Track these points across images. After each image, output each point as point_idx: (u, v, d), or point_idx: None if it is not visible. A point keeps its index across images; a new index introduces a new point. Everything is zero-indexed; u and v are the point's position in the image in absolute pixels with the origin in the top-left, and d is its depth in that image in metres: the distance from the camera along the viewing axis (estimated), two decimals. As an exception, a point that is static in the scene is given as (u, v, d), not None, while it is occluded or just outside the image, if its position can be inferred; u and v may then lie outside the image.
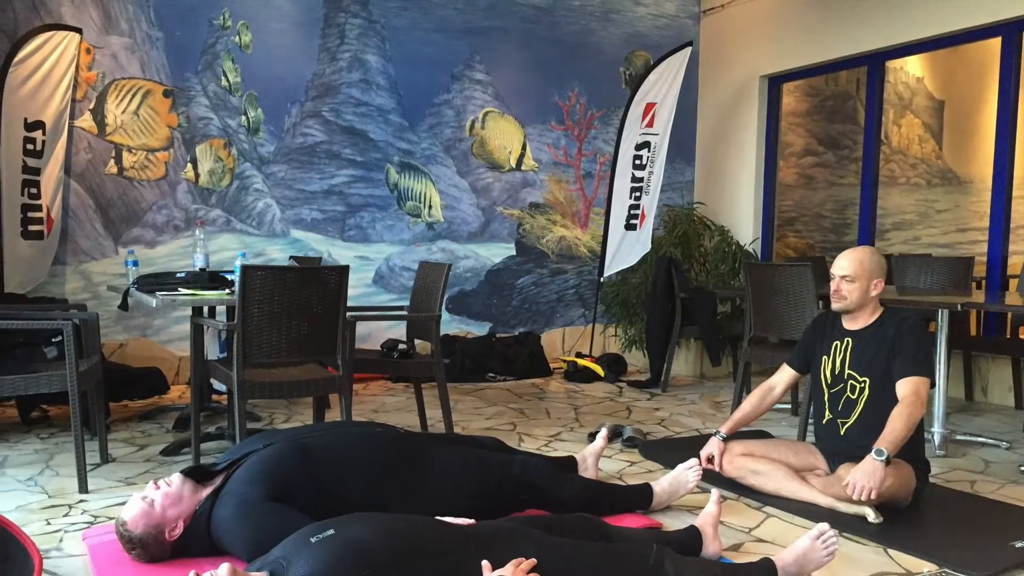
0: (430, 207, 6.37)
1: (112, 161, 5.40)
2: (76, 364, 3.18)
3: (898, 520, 2.91)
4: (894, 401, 2.95)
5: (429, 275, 4.28)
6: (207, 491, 2.41)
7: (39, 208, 5.00)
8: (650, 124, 6.33)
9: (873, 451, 2.80)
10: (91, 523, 2.86)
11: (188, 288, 3.62)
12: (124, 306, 4.13)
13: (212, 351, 4.82)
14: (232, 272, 3.73)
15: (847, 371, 3.17)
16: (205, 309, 4.09)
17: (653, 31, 7.07)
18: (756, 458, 3.25)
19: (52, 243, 5.16)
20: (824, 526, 2.27)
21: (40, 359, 3.97)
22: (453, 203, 6.46)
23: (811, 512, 2.97)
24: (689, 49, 6.43)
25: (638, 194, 6.38)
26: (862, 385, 3.11)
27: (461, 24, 6.38)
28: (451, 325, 6.44)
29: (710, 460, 3.28)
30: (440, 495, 2.59)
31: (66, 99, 5.12)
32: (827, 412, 3.24)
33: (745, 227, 6.88)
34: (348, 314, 3.50)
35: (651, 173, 6.40)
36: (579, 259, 6.94)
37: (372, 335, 5.94)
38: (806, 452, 3.29)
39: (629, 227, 6.39)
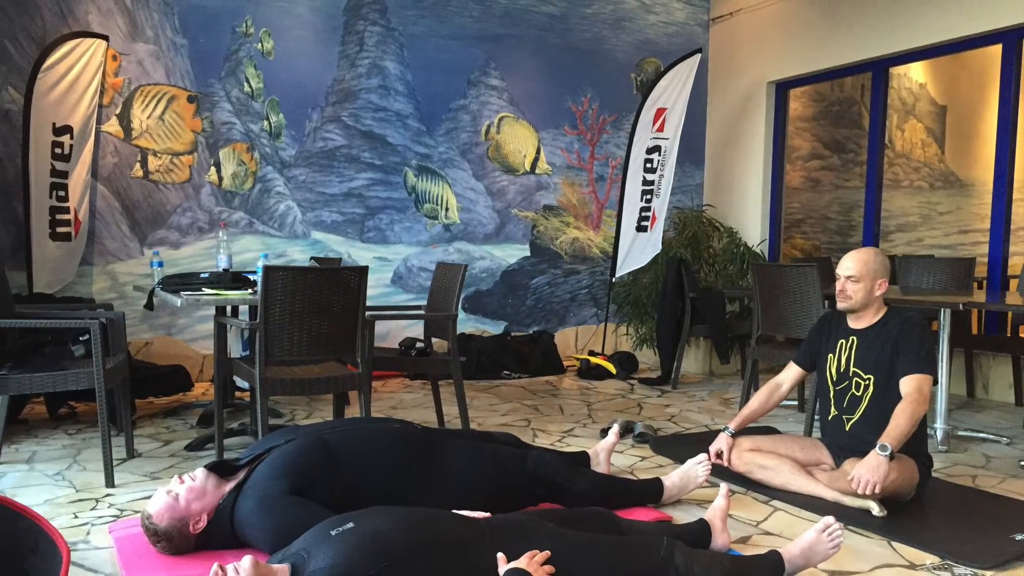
0: (447, 209, 6.44)
1: (138, 165, 5.47)
2: (103, 362, 3.21)
3: (902, 513, 2.93)
4: (898, 398, 2.97)
5: (446, 275, 4.31)
6: (230, 485, 2.44)
7: (67, 210, 5.08)
8: (660, 129, 6.38)
9: (877, 446, 2.81)
10: (117, 517, 2.89)
11: (212, 288, 3.64)
12: (149, 305, 4.16)
13: (235, 349, 4.87)
14: (254, 272, 3.74)
15: (852, 369, 3.19)
16: (228, 308, 4.13)
17: (663, 38, 7.13)
18: (764, 453, 3.27)
19: (79, 244, 5.23)
20: (830, 519, 2.28)
21: (68, 357, 3.96)
22: (469, 205, 6.53)
23: (817, 506, 3.00)
24: (698, 56, 6.47)
25: (649, 197, 6.44)
26: (866, 382, 3.14)
27: (477, 31, 6.45)
28: (467, 324, 6.49)
29: (719, 455, 3.32)
30: (457, 489, 2.61)
31: (93, 104, 5.20)
32: (832, 409, 3.26)
33: (753, 229, 6.93)
34: (367, 313, 3.51)
35: (661, 176, 6.44)
36: (592, 260, 7.00)
37: (390, 334, 6.02)
38: (812, 447, 3.32)
39: (640, 229, 6.44)
